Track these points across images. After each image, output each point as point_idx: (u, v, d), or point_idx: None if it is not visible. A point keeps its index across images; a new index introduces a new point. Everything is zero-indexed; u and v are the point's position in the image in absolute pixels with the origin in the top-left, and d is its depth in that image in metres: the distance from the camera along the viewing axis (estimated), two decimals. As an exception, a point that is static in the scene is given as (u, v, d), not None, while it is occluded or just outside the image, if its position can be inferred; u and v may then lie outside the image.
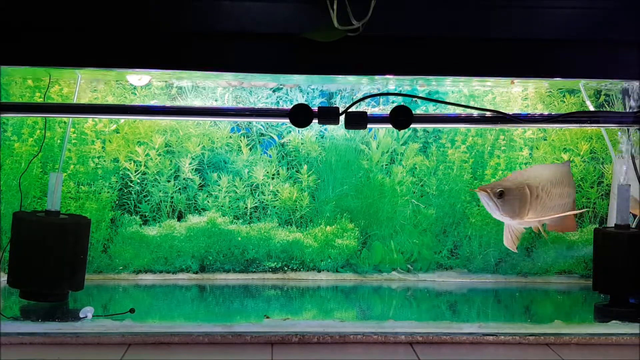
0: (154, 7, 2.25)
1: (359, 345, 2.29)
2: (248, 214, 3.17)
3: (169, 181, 3.13)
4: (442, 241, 3.23)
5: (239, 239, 3.12)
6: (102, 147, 3.08)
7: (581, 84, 2.85)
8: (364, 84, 3.01)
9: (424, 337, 2.32)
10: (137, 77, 2.86)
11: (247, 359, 2.16)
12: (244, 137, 3.18)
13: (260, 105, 3.12)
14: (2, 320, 2.35)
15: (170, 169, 3.13)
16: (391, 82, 2.90)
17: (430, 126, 3.15)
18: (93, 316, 2.42)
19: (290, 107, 2.39)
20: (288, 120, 2.37)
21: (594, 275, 2.74)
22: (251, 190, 3.17)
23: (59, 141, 3.01)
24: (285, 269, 3.16)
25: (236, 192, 3.16)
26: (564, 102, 3.18)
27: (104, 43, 2.27)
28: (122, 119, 3.05)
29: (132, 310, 2.48)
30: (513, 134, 3.20)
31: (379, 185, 3.18)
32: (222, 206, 3.15)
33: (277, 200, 3.17)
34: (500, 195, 2.47)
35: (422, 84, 2.98)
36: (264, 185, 3.17)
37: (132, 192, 3.13)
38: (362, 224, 3.21)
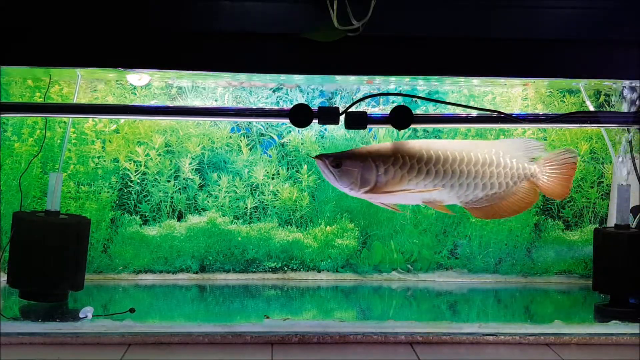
0: (154, 7, 2.25)
1: (359, 345, 2.29)
2: (248, 214, 3.17)
3: (169, 181, 3.13)
4: (442, 241, 3.23)
5: (239, 239, 3.12)
6: (102, 147, 3.08)
7: (581, 84, 2.85)
8: (364, 84, 3.01)
9: (424, 337, 2.32)
10: (137, 77, 2.86)
11: (247, 359, 2.16)
12: (244, 137, 3.18)
13: (260, 105, 3.12)
14: (2, 320, 2.35)
15: (170, 169, 3.13)
16: (391, 82, 2.90)
17: (430, 126, 3.15)
18: (93, 316, 2.42)
19: (290, 107, 2.39)
20: (288, 120, 2.37)
21: (594, 275, 2.74)
22: (251, 190, 3.17)
23: (59, 141, 3.01)
24: (285, 269, 3.16)
25: (236, 192, 3.16)
26: (564, 102, 3.18)
27: (103, 43, 2.27)
28: (122, 119, 3.05)
29: (132, 310, 2.48)
30: (513, 134, 3.20)
31: (379, 185, 3.18)
32: (222, 206, 3.15)
33: (277, 200, 3.17)
34: (337, 164, 2.36)
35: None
36: (264, 185, 3.17)
37: (132, 192, 3.13)
38: (362, 224, 3.21)
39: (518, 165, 2.48)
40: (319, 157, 2.38)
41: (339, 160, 2.35)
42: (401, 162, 2.37)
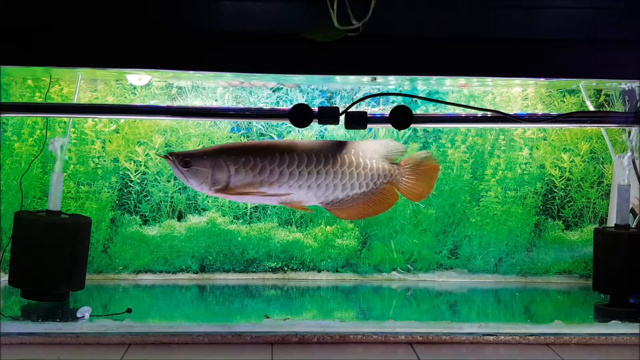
0: (153, 7, 2.25)
1: (359, 345, 2.29)
2: (248, 214, 3.17)
3: (169, 181, 3.13)
4: (442, 241, 3.23)
5: (239, 239, 3.12)
6: (102, 147, 3.08)
7: (581, 84, 2.85)
8: (364, 83, 3.01)
9: (424, 337, 2.32)
10: (137, 77, 2.86)
11: (247, 359, 2.16)
12: (244, 137, 3.17)
13: (260, 105, 3.13)
14: (2, 320, 2.35)
15: (171, 169, 3.13)
16: (391, 82, 2.90)
17: (430, 126, 3.15)
18: (90, 316, 2.42)
19: (290, 107, 2.39)
20: (288, 120, 2.37)
21: (594, 275, 2.74)
22: (251, 190, 3.17)
23: (59, 141, 3.01)
24: (285, 269, 3.16)
25: (236, 192, 3.16)
26: (564, 102, 3.18)
27: (103, 43, 2.27)
28: (122, 119, 3.05)
29: (129, 310, 2.48)
30: (513, 134, 3.20)
31: (379, 185, 3.18)
32: (222, 206, 3.15)
33: (277, 200, 3.17)
34: (186, 164, 2.34)
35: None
36: (264, 185, 3.17)
37: (132, 192, 3.13)
38: (362, 224, 3.21)
39: (378, 167, 2.47)
40: (168, 155, 2.36)
41: (188, 160, 2.34)
42: (252, 163, 2.35)
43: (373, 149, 2.49)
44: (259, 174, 2.36)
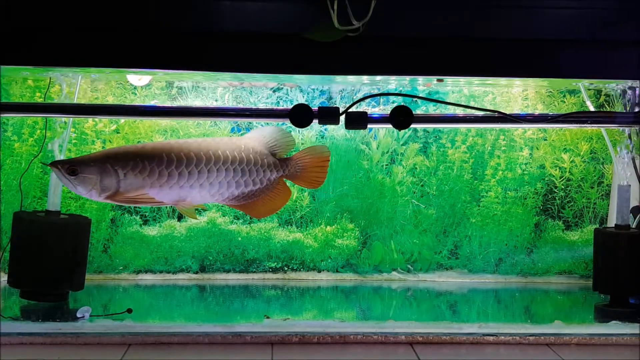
0: (153, 7, 2.25)
1: (359, 345, 2.29)
2: (248, 214, 3.17)
3: (169, 181, 3.13)
4: (442, 241, 3.23)
5: (239, 239, 3.12)
6: (103, 147, 3.08)
7: (581, 83, 2.85)
8: (365, 83, 3.01)
9: (424, 337, 2.32)
10: (137, 77, 2.86)
11: (247, 359, 2.16)
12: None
13: (260, 105, 3.12)
14: (2, 320, 2.35)
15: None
16: (392, 82, 2.90)
17: (430, 126, 3.15)
18: (90, 316, 2.42)
19: (290, 107, 2.39)
20: (288, 120, 2.37)
21: (594, 275, 2.74)
22: (251, 190, 3.17)
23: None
24: (286, 269, 3.16)
25: (236, 192, 3.16)
26: (564, 102, 3.18)
27: (104, 43, 2.27)
28: (122, 119, 3.04)
29: (129, 310, 2.48)
30: (513, 134, 3.20)
31: (379, 185, 3.19)
32: (222, 206, 3.15)
33: (277, 200, 3.17)
34: (73, 172, 2.27)
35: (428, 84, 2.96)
36: (264, 185, 3.17)
37: (132, 192, 3.13)
38: (362, 224, 3.21)
39: (270, 162, 2.46)
40: (54, 164, 2.30)
41: (74, 167, 2.27)
42: (140, 166, 2.30)
43: (264, 144, 2.48)
44: (148, 176, 2.31)
